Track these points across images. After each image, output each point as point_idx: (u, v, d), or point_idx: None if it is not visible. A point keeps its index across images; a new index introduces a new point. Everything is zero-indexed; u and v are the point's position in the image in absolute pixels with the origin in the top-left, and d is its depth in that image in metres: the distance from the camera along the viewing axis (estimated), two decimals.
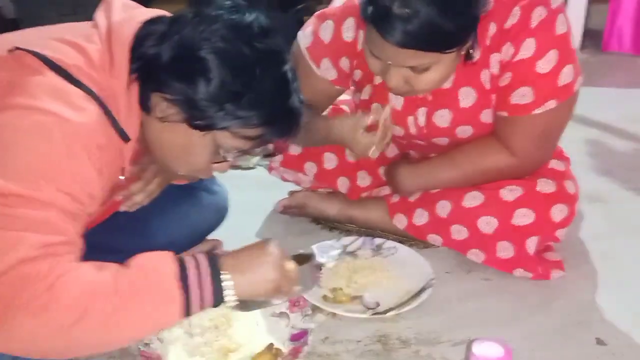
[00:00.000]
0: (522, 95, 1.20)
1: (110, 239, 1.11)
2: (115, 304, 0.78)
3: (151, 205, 1.17)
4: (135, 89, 0.90)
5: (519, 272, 1.30)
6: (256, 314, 1.15)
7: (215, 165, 0.98)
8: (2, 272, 0.74)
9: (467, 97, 1.26)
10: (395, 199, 1.44)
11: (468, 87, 1.25)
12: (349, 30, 1.28)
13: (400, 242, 1.41)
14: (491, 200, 1.29)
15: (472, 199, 1.31)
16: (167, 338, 1.08)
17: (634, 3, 3.10)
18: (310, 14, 2.93)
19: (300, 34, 1.35)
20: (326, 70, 1.32)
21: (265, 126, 0.92)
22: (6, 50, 0.85)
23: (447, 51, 1.10)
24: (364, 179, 1.52)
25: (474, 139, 1.32)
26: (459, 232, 1.33)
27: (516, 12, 1.16)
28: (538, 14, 1.15)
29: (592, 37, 3.14)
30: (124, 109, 0.88)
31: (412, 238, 1.43)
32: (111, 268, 0.82)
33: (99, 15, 0.94)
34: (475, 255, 1.33)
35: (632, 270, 1.36)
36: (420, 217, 1.39)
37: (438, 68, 1.12)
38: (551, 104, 1.21)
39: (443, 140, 1.36)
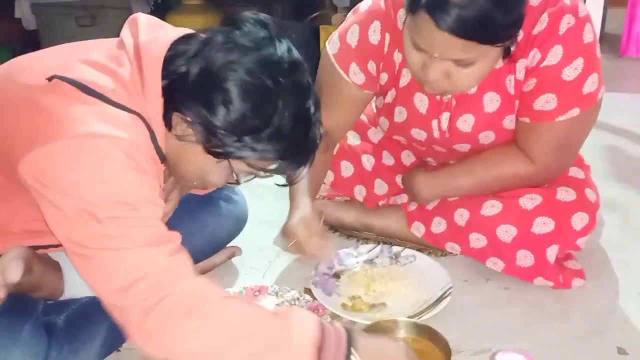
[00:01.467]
0: (546, 102, 1.20)
1: None
2: (258, 349, 0.81)
3: (172, 215, 1.19)
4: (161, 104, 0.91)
5: (539, 280, 1.29)
6: None
7: (228, 184, 1.00)
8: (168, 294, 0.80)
9: (491, 103, 1.26)
10: (413, 207, 1.44)
11: (493, 92, 1.25)
12: (375, 33, 1.28)
13: (418, 250, 1.41)
14: (510, 208, 1.29)
15: (491, 207, 1.31)
16: None
17: None
18: (325, 22, 2.94)
19: (328, 41, 1.36)
20: (355, 76, 1.32)
21: (280, 160, 0.93)
22: (44, 79, 0.85)
23: (497, 44, 1.09)
24: (381, 187, 1.53)
25: (494, 146, 1.32)
26: (477, 241, 1.33)
27: (544, 18, 1.16)
28: (566, 22, 1.15)
29: (610, 42, 3.12)
30: (159, 131, 0.90)
31: (430, 246, 1.43)
32: (262, 310, 0.87)
33: (125, 34, 0.94)
34: (494, 263, 1.32)
35: None
36: (439, 226, 1.39)
37: (481, 64, 1.12)
38: (575, 111, 1.21)
39: (464, 147, 1.35)
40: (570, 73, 1.17)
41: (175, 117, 0.91)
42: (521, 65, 1.21)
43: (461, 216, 1.35)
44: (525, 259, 1.29)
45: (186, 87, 0.89)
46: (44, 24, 3.19)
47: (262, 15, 0.94)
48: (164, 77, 0.89)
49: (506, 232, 1.29)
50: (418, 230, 1.42)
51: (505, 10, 1.04)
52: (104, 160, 0.80)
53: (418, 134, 1.37)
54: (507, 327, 1.20)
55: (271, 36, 0.91)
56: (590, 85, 1.20)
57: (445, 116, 1.31)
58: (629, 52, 3.15)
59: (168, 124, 0.92)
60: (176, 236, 0.87)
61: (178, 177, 1.03)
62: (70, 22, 3.12)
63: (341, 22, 1.37)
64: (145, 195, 0.84)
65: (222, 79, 0.87)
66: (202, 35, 0.92)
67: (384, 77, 1.34)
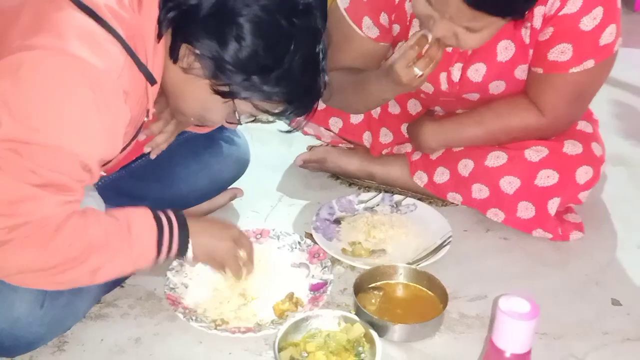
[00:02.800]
0: (561, 52, 1.18)
1: (135, 186, 1.13)
2: (106, 257, 0.87)
3: (173, 154, 1.19)
4: (163, 31, 0.89)
5: (538, 232, 1.30)
6: (277, 265, 1.18)
7: (227, 123, 0.99)
8: (24, 223, 0.79)
9: (505, 51, 1.24)
10: (417, 156, 1.43)
11: (508, 41, 1.23)
12: None
13: (419, 199, 1.41)
14: (515, 160, 1.28)
15: (496, 159, 1.30)
16: (191, 284, 1.11)
17: None
18: None
19: None
20: (368, 29, 1.30)
21: (286, 102, 0.92)
22: None
23: (508, 18, 1.07)
24: (386, 136, 1.52)
25: (504, 96, 1.31)
26: (480, 191, 1.33)
27: None
28: None
29: None
30: (151, 51, 0.87)
31: (431, 196, 1.43)
32: (107, 223, 0.89)
33: None
34: (495, 214, 1.33)
35: None
36: (442, 175, 1.38)
37: (490, 30, 1.10)
38: (589, 63, 1.19)
39: (473, 96, 1.34)
40: (588, 22, 1.15)
41: (184, 49, 0.89)
42: (539, 12, 1.18)
43: (465, 166, 1.34)
44: (526, 210, 1.29)
45: (198, 19, 0.86)
46: None
47: None
48: (173, 8, 0.87)
49: (509, 184, 1.29)
50: (420, 179, 1.42)
51: None
52: (65, 87, 0.78)
53: (425, 86, 1.35)
54: (504, 275, 1.22)
55: None
56: (607, 36, 1.17)
57: (458, 67, 1.29)
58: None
59: (174, 55, 0.90)
60: (81, 192, 0.85)
61: (176, 111, 1.02)
62: None
63: None
64: (87, 136, 0.81)
65: (236, 14, 0.85)
66: None
67: (396, 29, 1.31)
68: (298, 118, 0.99)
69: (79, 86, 0.79)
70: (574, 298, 1.16)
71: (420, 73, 1.16)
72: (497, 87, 1.30)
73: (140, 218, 0.91)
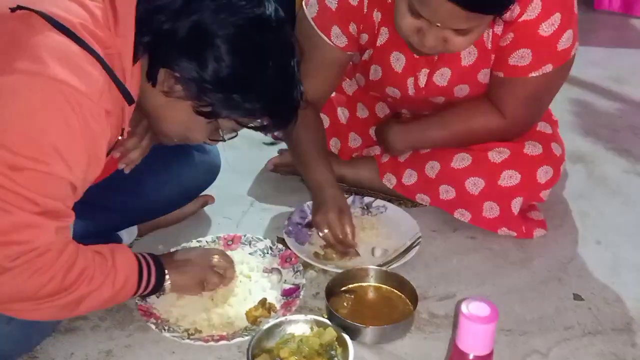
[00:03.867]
0: (521, 57, 1.22)
1: (105, 195, 1.12)
2: (92, 288, 0.90)
3: (144, 164, 1.18)
4: (139, 55, 0.89)
5: (503, 231, 1.34)
6: (249, 271, 1.19)
7: (210, 141, 1.01)
8: (28, 251, 0.81)
9: (468, 56, 1.27)
10: (385, 159, 1.46)
11: (471, 46, 1.26)
12: None
13: (389, 200, 1.44)
14: (479, 161, 1.32)
15: (461, 160, 1.34)
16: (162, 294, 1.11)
17: None
18: None
19: (304, 6, 1.33)
20: (336, 39, 1.32)
21: (268, 117, 0.94)
22: (8, 9, 0.82)
23: (499, 14, 1.09)
24: (355, 140, 1.54)
25: (468, 99, 1.34)
26: (446, 192, 1.37)
27: None
28: None
29: None
30: (129, 70, 0.88)
31: (400, 197, 1.46)
32: (94, 254, 0.92)
33: None
34: (462, 214, 1.37)
35: (611, 228, 1.41)
36: (410, 177, 1.41)
37: (478, 30, 1.12)
38: (548, 67, 1.23)
39: (439, 99, 1.37)
40: (547, 28, 1.18)
41: (163, 73, 0.90)
42: (499, 19, 1.21)
43: (432, 168, 1.38)
44: (491, 210, 1.33)
45: (175, 43, 0.87)
46: None
47: None
48: (147, 33, 0.88)
49: (474, 185, 1.33)
50: (389, 181, 1.45)
51: None
52: (49, 110, 0.78)
53: (392, 91, 1.37)
54: (471, 274, 1.25)
55: None
56: (565, 41, 1.21)
57: (424, 72, 1.32)
58: (602, 5, 3.16)
59: (152, 79, 0.91)
60: (72, 214, 0.88)
61: (159, 133, 1.03)
62: None
63: None
64: (73, 159, 0.82)
65: (213, 35, 0.86)
66: None
67: (364, 37, 1.33)
68: (283, 129, 1.02)
69: (62, 110, 0.79)
70: (537, 294, 1.20)
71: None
72: (461, 90, 1.33)
73: (122, 253, 0.96)
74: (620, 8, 3.14)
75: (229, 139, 1.01)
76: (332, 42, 1.32)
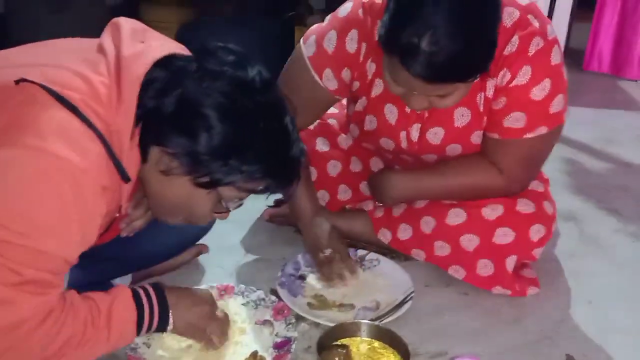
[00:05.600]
0: (516, 120, 1.25)
1: (100, 246, 1.12)
2: (82, 350, 0.88)
3: None
4: (137, 134, 0.89)
5: (497, 289, 1.34)
6: (241, 322, 1.19)
7: (216, 214, 1.00)
8: (8, 327, 0.80)
9: (462, 117, 1.31)
10: (380, 213, 1.47)
11: (464, 108, 1.30)
12: (352, 41, 1.30)
13: (382, 254, 1.45)
14: (473, 218, 1.33)
15: (455, 217, 1.35)
16: (153, 343, 1.10)
17: (615, 25, 3.19)
18: (301, 23, 2.95)
19: (302, 43, 1.36)
20: (328, 81, 1.34)
21: (269, 178, 0.93)
22: (13, 81, 0.82)
23: (470, 80, 1.13)
24: (345, 192, 1.56)
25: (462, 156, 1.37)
26: (441, 248, 1.37)
27: (515, 40, 1.20)
28: (535, 43, 1.20)
29: (573, 56, 3.23)
30: (126, 149, 0.87)
31: (393, 250, 1.47)
32: (87, 312, 0.90)
33: (106, 39, 0.92)
34: (456, 271, 1.37)
35: (602, 289, 1.42)
36: (404, 232, 1.43)
37: (461, 91, 1.15)
38: (542, 129, 1.26)
39: (431, 157, 1.40)
40: (538, 93, 1.22)
41: (156, 151, 0.90)
42: (491, 84, 1.26)
43: (427, 224, 1.39)
44: (485, 268, 1.34)
45: (163, 119, 0.88)
46: (12, 7, 3.10)
47: (231, 45, 0.94)
48: (137, 108, 0.87)
49: (469, 241, 1.34)
50: (385, 236, 1.45)
51: (477, 50, 1.07)
52: (46, 187, 0.79)
53: (386, 143, 1.40)
54: (464, 331, 1.25)
55: (240, 60, 0.91)
56: (557, 105, 1.25)
57: (416, 127, 1.35)
58: (591, 66, 3.27)
59: (143, 157, 0.91)
60: (62, 286, 0.87)
61: (161, 215, 1.01)
62: (39, 8, 3.04)
63: (316, 24, 1.38)
64: (67, 236, 0.82)
65: (199, 106, 0.87)
66: (177, 63, 0.90)
67: (356, 85, 1.37)
68: (286, 188, 1.00)
69: (58, 185, 0.79)
70: (528, 354, 1.20)
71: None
72: (453, 149, 1.36)
73: (121, 304, 0.93)
74: (609, 69, 3.25)
75: (235, 208, 0.99)
76: (323, 83, 1.34)
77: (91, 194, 0.83)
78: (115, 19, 0.96)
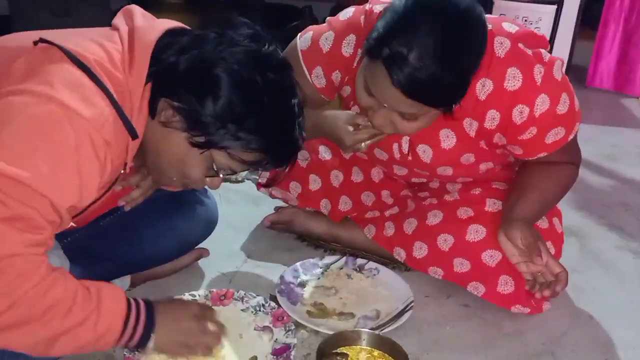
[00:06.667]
0: (555, 134, 1.26)
1: (101, 245, 1.13)
2: (68, 325, 0.84)
3: (142, 215, 1.19)
4: (148, 90, 0.92)
5: (517, 308, 1.32)
6: (240, 328, 1.18)
7: (208, 179, 1.00)
8: None
9: (447, 139, 1.31)
10: (390, 231, 1.46)
11: (447, 130, 1.30)
12: (349, 46, 1.30)
13: (382, 264, 1.44)
14: (494, 234, 1.30)
15: (475, 233, 1.34)
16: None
17: (618, 42, 3.22)
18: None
19: (299, 35, 1.36)
20: (316, 78, 1.34)
21: (263, 152, 0.95)
22: (31, 42, 0.87)
23: (439, 108, 1.13)
24: (345, 204, 1.54)
25: (451, 179, 1.38)
26: (461, 265, 1.35)
27: (515, 73, 1.20)
28: (538, 72, 1.20)
29: (577, 73, 3.24)
30: (137, 108, 0.90)
31: (394, 260, 1.46)
32: (76, 289, 0.86)
33: (119, 20, 0.97)
34: (475, 287, 1.35)
35: (604, 304, 1.41)
36: (420, 250, 1.41)
37: (424, 119, 1.15)
38: (577, 127, 1.29)
39: (424, 172, 1.40)
40: (562, 107, 1.23)
41: (162, 103, 0.93)
42: (491, 116, 1.24)
43: (445, 241, 1.37)
44: (506, 285, 1.31)
45: (176, 74, 0.91)
46: (17, 10, 3.12)
47: (254, 24, 0.97)
48: (153, 64, 0.91)
49: (491, 257, 1.32)
50: (399, 255, 1.44)
51: (456, 79, 1.07)
52: (48, 129, 0.80)
53: (380, 154, 1.40)
54: (464, 342, 1.24)
55: (261, 36, 0.94)
56: (577, 104, 1.27)
57: (405, 140, 1.35)
58: (594, 83, 3.29)
59: (152, 110, 0.93)
60: (48, 233, 0.84)
61: (156, 171, 1.02)
62: (44, 11, 3.06)
63: None
64: (62, 180, 0.82)
65: (212, 67, 0.89)
66: (195, 31, 0.95)
67: (347, 90, 1.36)
68: (276, 167, 1.01)
69: (62, 132, 0.81)
70: None
71: (363, 147, 1.26)
72: (444, 170, 1.37)
73: (111, 295, 0.90)
74: (612, 86, 3.26)
75: (225, 175, 0.99)
76: (311, 79, 1.34)
77: (93, 144, 0.83)
78: (127, 6, 1.00)
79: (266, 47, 0.93)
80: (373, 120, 1.18)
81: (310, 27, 1.36)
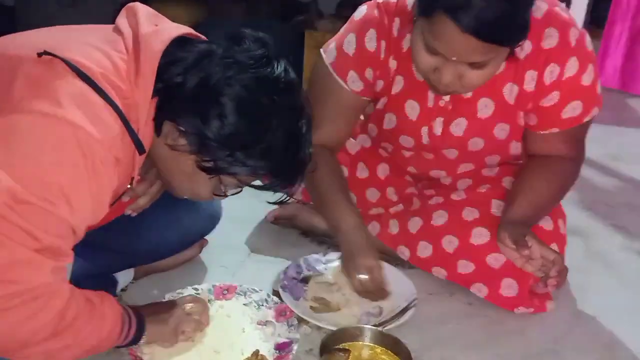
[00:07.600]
0: (573, 109, 1.27)
1: (105, 237, 1.12)
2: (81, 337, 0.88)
3: (146, 209, 1.19)
4: (153, 107, 0.91)
5: (520, 310, 1.31)
6: (243, 322, 1.17)
7: (216, 196, 1.01)
8: (23, 291, 0.80)
9: (485, 108, 1.31)
10: (395, 230, 1.46)
11: (487, 99, 1.29)
12: (371, 40, 1.30)
13: (386, 261, 1.43)
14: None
15: (479, 236, 1.33)
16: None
17: (624, 42, 3.20)
18: (311, 26, 2.96)
19: (322, 52, 1.37)
20: (352, 83, 1.34)
21: (270, 176, 0.94)
22: (33, 51, 0.84)
23: (514, 45, 1.14)
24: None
25: (481, 155, 1.37)
26: (465, 266, 1.35)
27: (552, 33, 1.22)
28: (574, 34, 1.23)
29: None
30: (143, 122, 0.89)
31: (397, 257, 1.45)
32: (86, 301, 0.89)
33: (122, 21, 0.94)
34: (479, 289, 1.34)
35: (608, 305, 1.40)
36: (425, 250, 1.40)
37: (493, 65, 1.15)
38: (595, 111, 1.29)
39: (452, 152, 1.39)
40: (587, 79, 1.25)
41: (168, 125, 0.92)
42: (531, 77, 1.25)
43: (450, 243, 1.37)
44: (509, 288, 1.31)
45: (182, 97, 0.89)
46: (22, 1, 3.10)
47: (262, 35, 0.95)
48: (158, 80, 0.89)
49: (495, 260, 1.31)
50: (403, 254, 1.44)
51: (522, 11, 1.09)
52: (61, 152, 0.79)
53: (406, 140, 1.39)
54: (467, 340, 1.24)
55: (269, 55, 0.92)
56: (599, 87, 1.28)
57: (439, 121, 1.34)
58: (600, 82, 3.26)
59: (156, 129, 0.92)
60: (71, 255, 0.87)
61: (168, 186, 1.04)
62: (51, 1, 3.05)
63: (327, 28, 1.39)
64: (77, 202, 0.82)
65: (219, 93, 0.88)
66: (201, 45, 0.92)
67: (380, 84, 1.36)
68: (284, 189, 1.01)
69: (73, 153, 0.80)
70: None
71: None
72: (475, 144, 1.35)
73: (111, 303, 0.94)
74: (618, 85, 3.25)
75: (233, 194, 1.01)
76: (349, 86, 1.34)
77: (104, 164, 0.83)
78: (130, 4, 0.97)
79: (275, 66, 0.91)
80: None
81: (330, 40, 1.38)
